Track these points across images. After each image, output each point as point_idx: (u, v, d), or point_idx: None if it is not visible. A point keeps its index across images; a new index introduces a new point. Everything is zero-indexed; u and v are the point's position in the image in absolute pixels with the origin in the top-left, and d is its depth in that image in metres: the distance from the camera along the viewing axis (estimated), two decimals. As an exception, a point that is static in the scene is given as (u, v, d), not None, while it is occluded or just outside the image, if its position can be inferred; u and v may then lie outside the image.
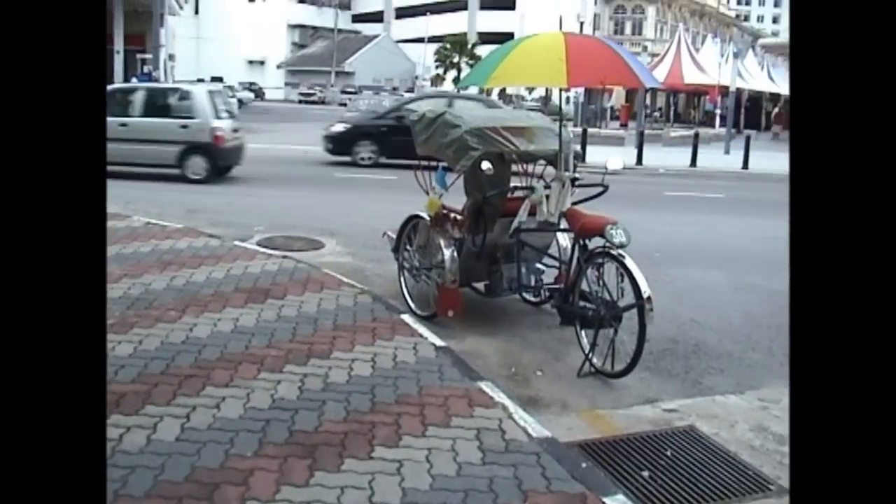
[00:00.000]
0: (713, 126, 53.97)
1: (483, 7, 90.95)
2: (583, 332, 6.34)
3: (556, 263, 7.34)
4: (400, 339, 6.16)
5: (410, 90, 73.34)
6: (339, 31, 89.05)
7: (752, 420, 5.43)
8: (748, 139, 28.19)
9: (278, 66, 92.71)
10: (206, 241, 9.36)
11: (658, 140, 36.56)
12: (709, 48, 65.13)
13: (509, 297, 7.40)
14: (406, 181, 17.97)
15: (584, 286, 6.26)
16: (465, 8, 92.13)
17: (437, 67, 79.96)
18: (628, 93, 62.25)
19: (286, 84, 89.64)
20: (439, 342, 6.19)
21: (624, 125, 55.26)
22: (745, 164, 26.77)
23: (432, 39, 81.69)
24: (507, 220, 6.99)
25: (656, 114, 58.14)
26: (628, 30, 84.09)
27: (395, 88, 75.99)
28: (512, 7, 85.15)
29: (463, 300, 7.09)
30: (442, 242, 7.02)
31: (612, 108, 60.36)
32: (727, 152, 32.71)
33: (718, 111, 58.37)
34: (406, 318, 6.81)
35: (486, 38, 79.05)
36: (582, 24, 50.41)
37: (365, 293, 7.45)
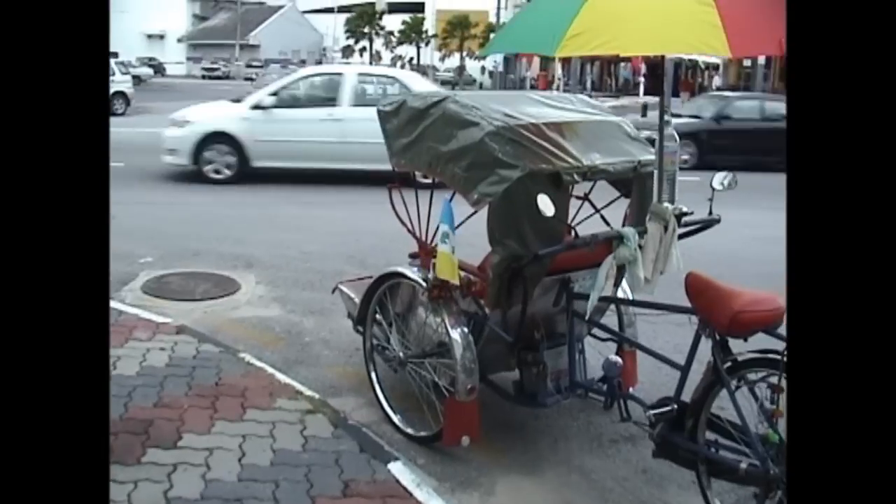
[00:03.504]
0: (636, 94, 51.93)
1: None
2: (712, 487, 3.60)
3: (605, 335, 4.57)
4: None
5: (319, 62, 69.64)
6: (243, 2, 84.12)
7: None
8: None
9: (179, 40, 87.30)
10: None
11: (593, 112, 34.01)
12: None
13: (558, 404, 4.51)
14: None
15: (717, 410, 3.51)
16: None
17: (347, 38, 76.15)
18: (542, 60, 60.00)
19: (188, 59, 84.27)
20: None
21: (544, 96, 52.87)
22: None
23: (342, 9, 77.67)
24: (551, 280, 4.16)
25: (571, 82, 55.52)
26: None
27: (303, 61, 72.08)
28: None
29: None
30: (447, 320, 4.13)
31: (530, 77, 58.27)
32: (668, 123, 30.54)
33: (642, 79, 56.48)
34: (398, 470, 3.85)
35: (396, 7, 75.92)
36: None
37: (318, 411, 4.41)
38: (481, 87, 50.20)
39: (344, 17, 76.74)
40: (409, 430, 4.41)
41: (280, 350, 5.62)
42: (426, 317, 4.37)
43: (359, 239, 9.15)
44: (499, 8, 45.15)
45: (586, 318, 4.06)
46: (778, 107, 18.42)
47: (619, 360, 4.15)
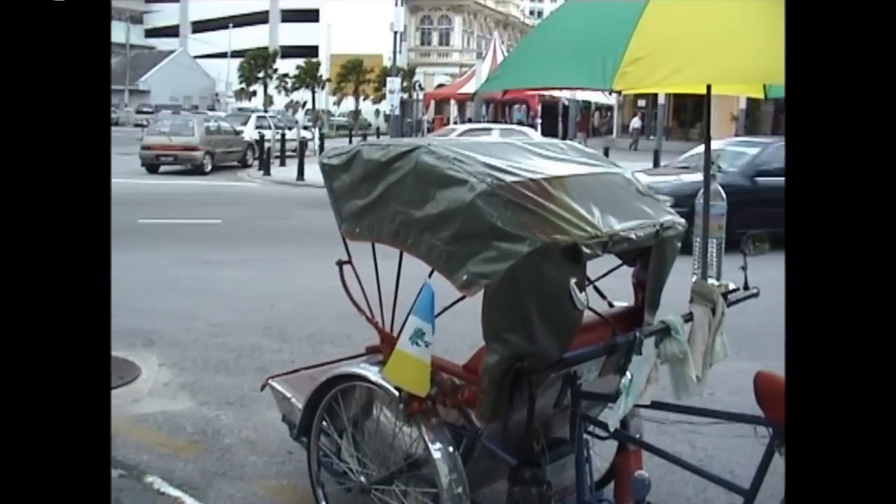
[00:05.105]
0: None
1: (285, 20, 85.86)
2: None
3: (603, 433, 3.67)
4: None
5: (212, 108, 67.89)
6: (132, 46, 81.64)
7: None
8: (606, 150, 25.66)
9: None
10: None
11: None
12: (523, 57, 63.43)
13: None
14: (239, 224, 13.45)
15: None
16: (266, 21, 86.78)
17: (241, 83, 74.60)
18: (438, 104, 59.77)
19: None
20: None
21: (440, 137, 52.67)
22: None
23: (235, 54, 76.11)
24: (553, 375, 3.24)
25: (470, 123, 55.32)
26: (435, 40, 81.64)
27: (195, 107, 70.22)
28: (316, 19, 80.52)
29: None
30: (426, 435, 3.18)
31: (426, 120, 58.06)
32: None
33: (539, 120, 56.61)
34: None
35: (289, 51, 75.17)
36: (397, 33, 46.69)
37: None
38: (378, 130, 49.36)
39: (237, 61, 75.21)
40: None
41: (195, 458, 4.58)
42: (394, 427, 3.41)
43: (274, 304, 8.11)
44: (395, 52, 44.50)
45: (611, 430, 3.15)
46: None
47: (646, 476, 3.25)
